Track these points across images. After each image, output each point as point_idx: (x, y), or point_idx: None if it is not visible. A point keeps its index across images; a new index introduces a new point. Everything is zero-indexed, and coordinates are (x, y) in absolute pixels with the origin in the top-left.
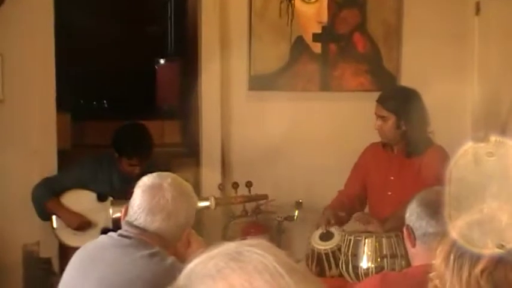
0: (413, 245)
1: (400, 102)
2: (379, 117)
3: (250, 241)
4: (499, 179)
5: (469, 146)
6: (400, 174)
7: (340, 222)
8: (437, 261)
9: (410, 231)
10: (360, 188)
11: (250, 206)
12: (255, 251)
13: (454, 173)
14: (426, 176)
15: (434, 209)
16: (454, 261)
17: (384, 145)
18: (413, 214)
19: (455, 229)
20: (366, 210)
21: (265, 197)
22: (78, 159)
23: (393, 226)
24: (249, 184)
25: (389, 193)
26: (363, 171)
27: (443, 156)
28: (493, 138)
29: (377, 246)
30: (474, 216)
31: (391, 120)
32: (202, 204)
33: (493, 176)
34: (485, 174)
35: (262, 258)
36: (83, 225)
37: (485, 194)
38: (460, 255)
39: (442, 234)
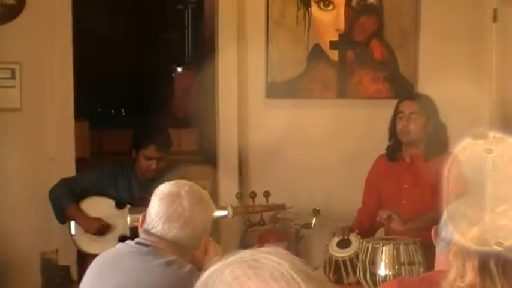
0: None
1: (429, 103)
2: (410, 113)
3: (266, 248)
4: (498, 175)
5: (467, 142)
6: (415, 181)
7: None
8: (470, 275)
9: (437, 231)
10: (376, 203)
11: (267, 214)
12: (272, 258)
13: (453, 169)
14: (447, 181)
15: (452, 216)
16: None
17: (391, 157)
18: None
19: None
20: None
21: (282, 206)
22: (98, 164)
23: (414, 227)
24: (266, 194)
25: (404, 202)
26: (376, 185)
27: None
28: (491, 134)
29: (395, 254)
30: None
31: (422, 118)
32: (220, 213)
33: (492, 172)
34: (485, 171)
35: (279, 266)
36: (101, 229)
37: (485, 191)
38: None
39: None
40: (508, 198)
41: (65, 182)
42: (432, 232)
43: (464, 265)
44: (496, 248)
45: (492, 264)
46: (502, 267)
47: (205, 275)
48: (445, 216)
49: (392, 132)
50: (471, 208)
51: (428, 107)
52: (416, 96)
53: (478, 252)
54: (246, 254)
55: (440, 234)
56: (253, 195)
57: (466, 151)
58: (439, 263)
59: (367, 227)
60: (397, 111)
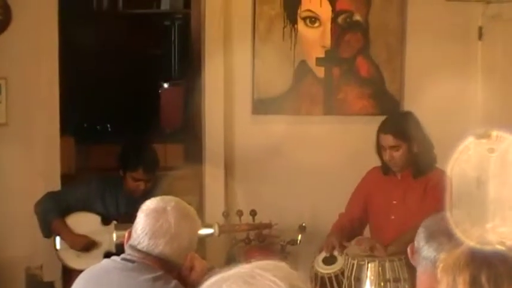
0: (415, 263)
1: (407, 127)
2: (391, 147)
3: (266, 263)
4: (500, 174)
5: (470, 141)
6: (404, 198)
7: (343, 248)
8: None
9: (415, 250)
10: (361, 211)
11: (253, 231)
12: (268, 277)
13: (456, 168)
14: (431, 199)
15: (431, 233)
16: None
17: (386, 171)
18: (418, 234)
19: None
20: (366, 233)
21: (269, 225)
22: (84, 179)
23: (397, 250)
24: (253, 213)
25: (393, 217)
26: (365, 195)
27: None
28: (494, 134)
29: (380, 271)
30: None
31: (403, 147)
32: (207, 231)
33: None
34: (487, 170)
35: (274, 285)
36: (87, 246)
37: (487, 191)
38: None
39: (434, 260)
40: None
41: (51, 196)
42: (408, 250)
43: (455, 280)
44: (488, 261)
45: (484, 279)
46: (494, 282)
47: (203, 286)
48: (423, 234)
49: (381, 156)
50: (458, 224)
51: (408, 132)
52: (391, 128)
53: (469, 266)
54: (243, 269)
55: (422, 253)
56: (239, 213)
57: (469, 150)
58: (421, 283)
59: (347, 231)
60: (379, 143)
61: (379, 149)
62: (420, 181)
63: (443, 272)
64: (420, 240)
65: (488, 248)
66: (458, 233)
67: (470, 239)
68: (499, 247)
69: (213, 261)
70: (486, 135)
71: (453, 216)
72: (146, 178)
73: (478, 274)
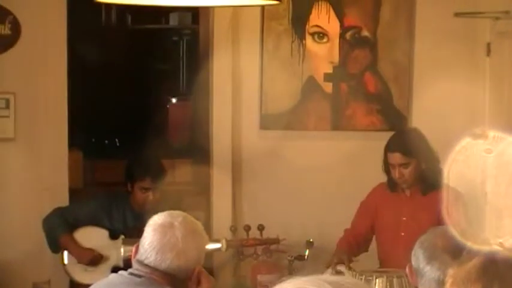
0: (416, 284)
1: (414, 144)
2: (400, 165)
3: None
4: (497, 175)
5: (467, 142)
6: (413, 215)
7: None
8: None
9: (413, 271)
10: (367, 227)
11: (260, 246)
12: None
13: (453, 169)
14: (443, 215)
15: (432, 254)
16: None
17: (393, 187)
18: (415, 255)
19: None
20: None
21: (276, 240)
22: (92, 194)
23: None
24: (261, 227)
25: (403, 234)
26: (371, 211)
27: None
28: (491, 134)
29: (388, 286)
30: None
31: (412, 164)
32: (214, 246)
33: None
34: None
35: None
36: (94, 260)
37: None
38: None
39: (439, 280)
40: (507, 199)
41: (59, 212)
42: (407, 271)
43: None
44: (500, 274)
45: None
46: None
47: None
48: (423, 255)
49: (388, 174)
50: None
51: (415, 150)
52: (399, 145)
53: (480, 279)
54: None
55: (424, 275)
56: (247, 228)
57: (466, 151)
58: None
59: (353, 248)
60: (386, 161)
61: (387, 167)
62: (430, 197)
63: (454, 286)
64: (420, 261)
65: (486, 247)
66: (463, 240)
67: (477, 243)
68: (497, 247)
69: (219, 276)
70: (483, 136)
71: (457, 232)
72: (154, 187)
73: (490, 286)
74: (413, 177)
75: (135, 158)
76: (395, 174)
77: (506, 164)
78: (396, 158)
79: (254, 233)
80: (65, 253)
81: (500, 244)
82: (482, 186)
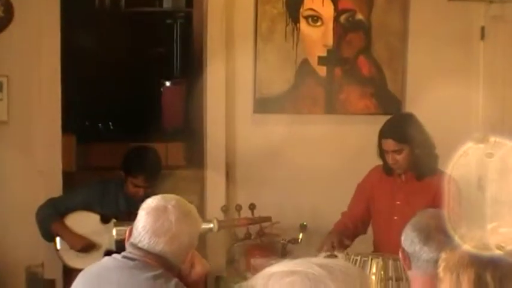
0: (409, 268)
1: (408, 130)
2: (393, 151)
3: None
4: (498, 179)
5: (468, 146)
6: (407, 200)
7: (343, 247)
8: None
9: (406, 255)
10: (364, 210)
11: (254, 228)
12: None
13: (454, 173)
14: (438, 200)
15: (427, 235)
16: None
17: (388, 172)
18: (407, 239)
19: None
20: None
21: (268, 219)
22: (84, 181)
23: None
24: (252, 206)
25: (396, 218)
26: (367, 194)
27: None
28: (492, 139)
29: (383, 268)
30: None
31: (406, 150)
32: (205, 226)
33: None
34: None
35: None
36: (86, 247)
37: (485, 195)
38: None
39: (437, 260)
40: (508, 202)
41: (50, 203)
42: (400, 256)
43: (459, 278)
44: (494, 260)
45: (489, 277)
46: (499, 280)
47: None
48: (418, 238)
49: (383, 159)
50: (456, 227)
51: (409, 135)
52: (392, 131)
53: (473, 265)
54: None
55: (421, 257)
56: (238, 208)
57: (467, 155)
58: (415, 282)
59: (350, 231)
60: (381, 147)
61: (382, 152)
62: (424, 182)
63: (446, 270)
64: (415, 244)
65: (487, 253)
66: (456, 236)
67: (469, 242)
68: (498, 252)
69: (213, 259)
70: (484, 140)
71: (451, 218)
72: (146, 185)
73: (483, 272)
74: (407, 163)
75: (133, 151)
76: (389, 160)
77: (508, 169)
78: (389, 144)
79: (246, 212)
80: (58, 239)
81: (501, 248)
82: (483, 190)
